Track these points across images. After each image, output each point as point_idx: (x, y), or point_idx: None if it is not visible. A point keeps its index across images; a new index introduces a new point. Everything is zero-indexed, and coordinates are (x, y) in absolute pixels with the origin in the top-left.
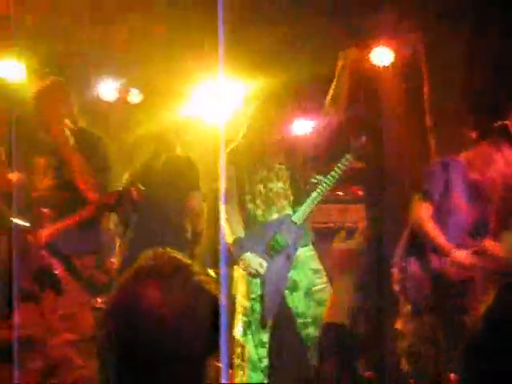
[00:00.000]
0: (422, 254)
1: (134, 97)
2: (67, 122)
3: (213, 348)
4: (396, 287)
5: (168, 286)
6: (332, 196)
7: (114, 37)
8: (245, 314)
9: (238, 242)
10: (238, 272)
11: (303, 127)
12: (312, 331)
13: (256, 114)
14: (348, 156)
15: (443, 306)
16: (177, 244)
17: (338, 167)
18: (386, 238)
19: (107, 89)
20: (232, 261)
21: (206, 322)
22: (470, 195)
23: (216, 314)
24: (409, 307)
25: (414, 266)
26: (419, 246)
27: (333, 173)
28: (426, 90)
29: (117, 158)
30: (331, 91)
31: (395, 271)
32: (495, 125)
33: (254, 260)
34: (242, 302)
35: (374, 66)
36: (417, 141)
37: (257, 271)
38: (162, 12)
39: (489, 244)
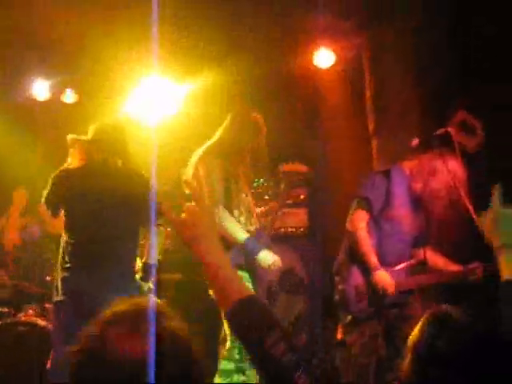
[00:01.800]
0: (361, 263)
1: (69, 97)
2: None
3: None
4: (337, 296)
5: (142, 334)
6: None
7: (48, 36)
8: None
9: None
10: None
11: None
12: None
13: (235, 123)
14: None
15: (384, 316)
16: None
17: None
18: (330, 243)
19: (40, 88)
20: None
21: (180, 370)
22: (413, 205)
23: (190, 363)
24: (349, 317)
25: (354, 275)
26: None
27: None
28: (368, 94)
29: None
30: None
31: (337, 279)
32: (438, 132)
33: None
34: None
35: (317, 68)
36: (359, 146)
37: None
38: (98, 12)
39: (429, 255)
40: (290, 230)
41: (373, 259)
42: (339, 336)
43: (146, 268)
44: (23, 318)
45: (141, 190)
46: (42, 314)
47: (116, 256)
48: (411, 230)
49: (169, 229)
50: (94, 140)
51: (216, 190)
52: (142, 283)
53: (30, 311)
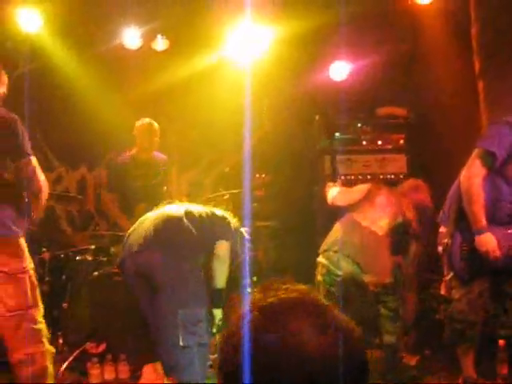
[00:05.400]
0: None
1: (160, 44)
2: None
3: None
4: (440, 248)
5: (316, 326)
6: (371, 146)
7: None
8: None
9: None
10: None
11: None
12: None
13: None
14: None
15: (491, 275)
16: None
17: None
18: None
19: (131, 36)
20: None
21: (349, 372)
22: None
23: (360, 368)
24: (452, 274)
25: (461, 231)
26: None
27: None
28: (474, 31)
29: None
30: None
31: (443, 231)
32: None
33: None
34: None
35: (416, 4)
36: (463, 85)
37: None
38: None
39: None
40: (389, 176)
41: (481, 220)
42: (443, 291)
43: (216, 294)
44: None
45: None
46: None
47: None
48: None
49: (263, 175)
50: None
51: None
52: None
53: None
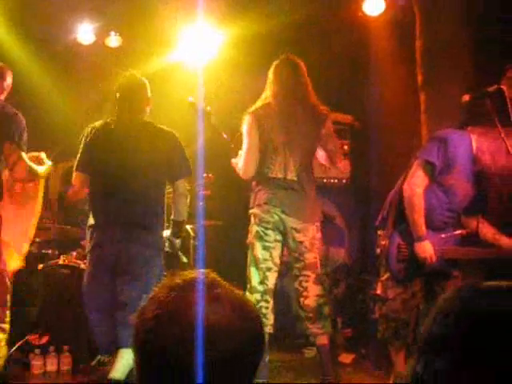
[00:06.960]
0: (408, 226)
1: (113, 41)
2: None
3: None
4: (378, 250)
5: (219, 301)
6: None
7: None
8: None
9: None
10: None
11: None
12: None
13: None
14: None
15: (425, 275)
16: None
17: None
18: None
19: (84, 32)
20: None
21: (251, 343)
22: (471, 176)
23: (259, 336)
24: (388, 275)
25: (399, 234)
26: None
27: None
28: (418, 43)
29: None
30: None
31: (381, 233)
32: (490, 89)
33: None
34: None
35: (365, 16)
36: (405, 96)
37: None
38: None
39: (481, 226)
40: (332, 181)
41: (422, 228)
42: (379, 291)
43: (175, 224)
44: (65, 261)
45: (165, 147)
46: (85, 257)
47: (135, 212)
48: (463, 200)
49: (210, 175)
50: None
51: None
52: (172, 239)
53: (74, 253)
